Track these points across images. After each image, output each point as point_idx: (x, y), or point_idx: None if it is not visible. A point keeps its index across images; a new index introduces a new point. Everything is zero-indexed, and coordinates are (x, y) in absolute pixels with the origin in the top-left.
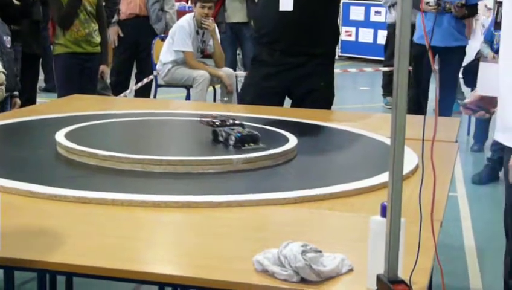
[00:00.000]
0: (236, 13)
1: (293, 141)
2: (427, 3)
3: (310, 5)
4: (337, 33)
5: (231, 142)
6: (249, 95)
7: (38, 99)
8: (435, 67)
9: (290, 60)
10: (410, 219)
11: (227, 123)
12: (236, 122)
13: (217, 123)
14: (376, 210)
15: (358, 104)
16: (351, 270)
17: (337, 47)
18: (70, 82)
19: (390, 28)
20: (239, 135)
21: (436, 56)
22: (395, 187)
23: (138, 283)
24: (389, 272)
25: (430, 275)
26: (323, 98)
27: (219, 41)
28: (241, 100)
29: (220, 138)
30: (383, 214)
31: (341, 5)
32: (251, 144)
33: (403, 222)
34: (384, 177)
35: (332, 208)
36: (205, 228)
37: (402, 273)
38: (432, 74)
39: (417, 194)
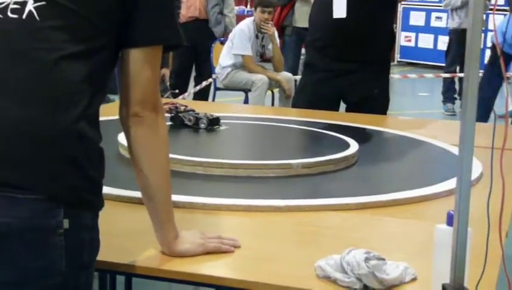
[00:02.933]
0: (303, 18)
1: (354, 146)
2: None
3: (364, 12)
4: (392, 40)
5: (203, 125)
6: (301, 101)
7: None
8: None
9: (342, 65)
10: (475, 228)
11: (182, 109)
12: (188, 108)
13: (173, 109)
14: (439, 218)
15: (417, 110)
16: (414, 279)
17: (394, 53)
18: None
19: (453, 33)
20: (209, 118)
21: None
22: (463, 196)
23: (196, 285)
24: (455, 281)
25: (496, 286)
26: (378, 105)
27: (278, 45)
28: (294, 106)
29: (188, 123)
30: (449, 223)
31: (401, 10)
32: (216, 126)
33: (469, 231)
34: (446, 185)
35: (394, 214)
36: (265, 232)
37: (468, 283)
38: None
39: (481, 203)
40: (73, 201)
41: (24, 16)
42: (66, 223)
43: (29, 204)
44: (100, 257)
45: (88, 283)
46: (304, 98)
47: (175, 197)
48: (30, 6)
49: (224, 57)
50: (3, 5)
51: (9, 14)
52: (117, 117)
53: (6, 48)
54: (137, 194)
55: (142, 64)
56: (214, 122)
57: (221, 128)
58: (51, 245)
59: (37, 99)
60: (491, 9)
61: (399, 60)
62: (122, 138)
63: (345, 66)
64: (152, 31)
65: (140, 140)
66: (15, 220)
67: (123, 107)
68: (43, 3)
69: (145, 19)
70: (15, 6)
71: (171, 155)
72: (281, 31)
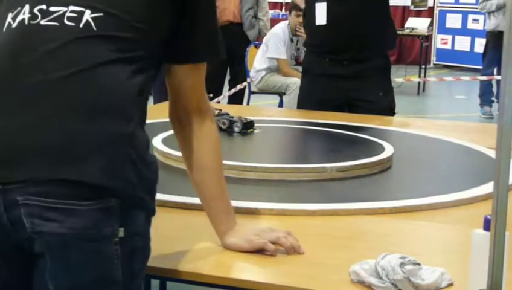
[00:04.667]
0: None
1: (389, 149)
2: None
3: (345, 17)
4: (392, 41)
5: (237, 129)
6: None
7: None
8: None
9: (340, 70)
10: None
11: (216, 113)
12: (222, 111)
13: None
14: (476, 222)
15: (453, 113)
16: (450, 284)
17: (430, 55)
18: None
19: (490, 35)
20: (243, 121)
21: None
22: (500, 200)
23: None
24: (492, 287)
25: None
26: (382, 109)
27: None
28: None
29: (222, 126)
30: (487, 227)
31: (437, 12)
32: (250, 130)
33: (507, 236)
34: (483, 189)
35: (430, 219)
36: (299, 236)
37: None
38: None
39: None
40: (129, 197)
41: (81, 25)
42: (121, 232)
43: (85, 214)
44: None
45: (139, 289)
46: (306, 106)
47: None
48: (87, 16)
49: (258, 61)
50: (59, 13)
51: (65, 21)
52: (151, 121)
53: (64, 57)
54: (173, 198)
55: (187, 73)
56: (248, 125)
57: (256, 131)
58: (107, 254)
59: (95, 108)
60: None
61: (435, 62)
62: (157, 142)
63: (344, 71)
64: (199, 50)
65: (193, 137)
66: (72, 231)
67: (173, 113)
68: (100, 14)
69: (193, 37)
70: (72, 14)
71: None
72: None
